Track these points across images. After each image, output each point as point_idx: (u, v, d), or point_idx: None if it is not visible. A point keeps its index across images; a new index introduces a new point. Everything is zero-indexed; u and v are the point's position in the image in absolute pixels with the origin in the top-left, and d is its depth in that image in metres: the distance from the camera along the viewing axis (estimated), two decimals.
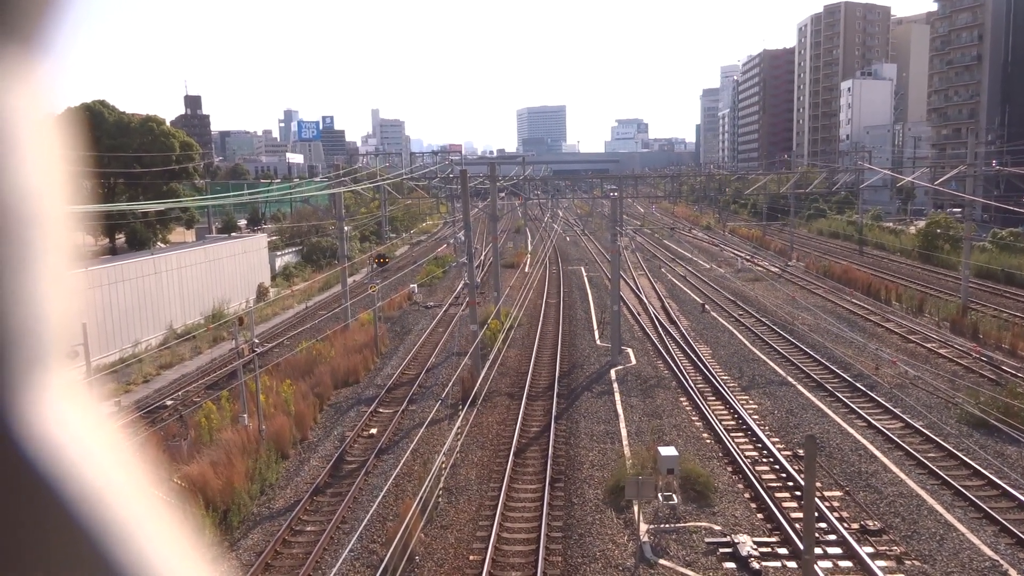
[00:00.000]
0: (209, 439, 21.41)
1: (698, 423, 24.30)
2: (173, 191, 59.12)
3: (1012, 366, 28.99)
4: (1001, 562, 15.38)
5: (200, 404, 24.15)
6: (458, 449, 22.03)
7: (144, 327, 35.06)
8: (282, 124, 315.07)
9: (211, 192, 69.01)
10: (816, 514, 14.58)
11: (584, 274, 57.48)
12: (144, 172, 57.17)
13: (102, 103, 59.16)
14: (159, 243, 60.01)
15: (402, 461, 20.27)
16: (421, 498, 16.35)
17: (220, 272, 43.15)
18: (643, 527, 17.17)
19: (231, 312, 40.74)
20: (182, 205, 52.53)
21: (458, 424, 23.05)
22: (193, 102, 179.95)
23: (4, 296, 0.45)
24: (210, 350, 35.52)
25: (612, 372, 30.15)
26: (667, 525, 17.35)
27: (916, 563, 15.70)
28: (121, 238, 62.62)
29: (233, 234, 59.90)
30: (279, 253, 58.39)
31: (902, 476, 19.68)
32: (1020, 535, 16.46)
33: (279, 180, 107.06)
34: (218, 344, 36.24)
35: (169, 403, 27.12)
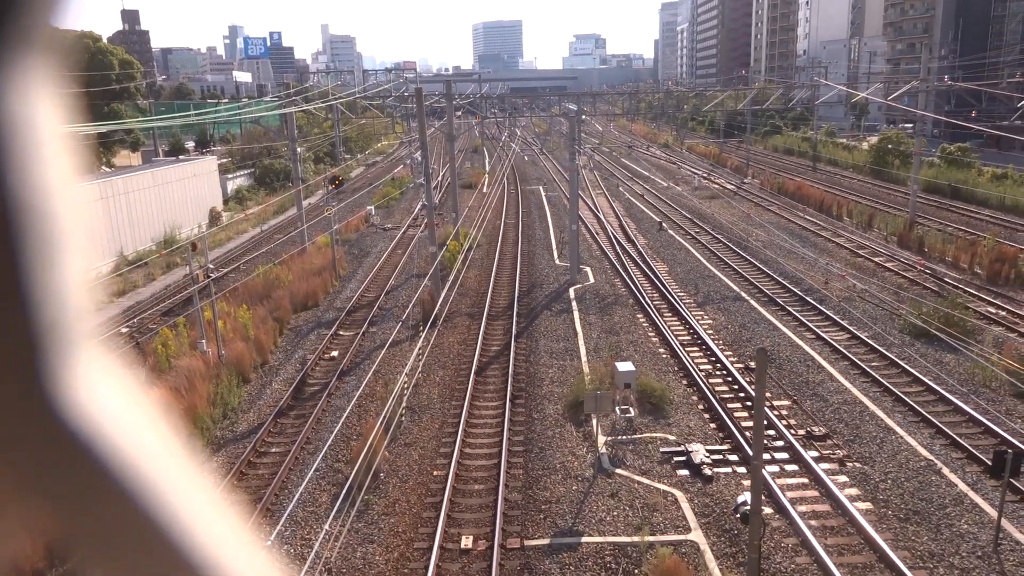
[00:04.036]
0: (167, 366, 21.30)
1: (654, 339, 24.89)
2: (115, 112, 56.66)
3: (954, 278, 30.10)
4: (935, 461, 16.35)
5: (156, 331, 23.90)
6: (420, 369, 22.31)
7: (93, 254, 34.17)
8: (227, 41, 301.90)
9: (155, 113, 66.36)
10: (765, 422, 15.25)
11: (543, 194, 57.31)
12: (82, 93, 54.56)
13: None
14: (103, 167, 57.88)
15: (364, 382, 20.50)
16: (384, 417, 16.64)
17: (170, 196, 41.99)
18: (601, 439, 17.77)
19: (183, 238, 39.88)
20: (125, 127, 50.55)
21: (419, 345, 23.28)
22: (131, 17, 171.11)
23: (38, 288, 0.49)
24: (163, 276, 34.92)
25: (571, 291, 30.51)
26: (624, 437, 17.98)
27: (857, 465, 16.61)
28: None
29: (181, 157, 58.03)
30: (230, 176, 56.88)
31: (847, 385, 20.57)
32: (954, 436, 17.46)
33: (227, 100, 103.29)
34: (171, 271, 35.63)
35: (124, 331, 26.76)
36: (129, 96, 61.65)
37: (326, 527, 14.35)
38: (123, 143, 62.31)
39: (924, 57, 44.91)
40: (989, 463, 15.04)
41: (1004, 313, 25.98)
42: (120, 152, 65.47)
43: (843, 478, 16.09)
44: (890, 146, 59.78)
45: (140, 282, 33.68)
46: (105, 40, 61.84)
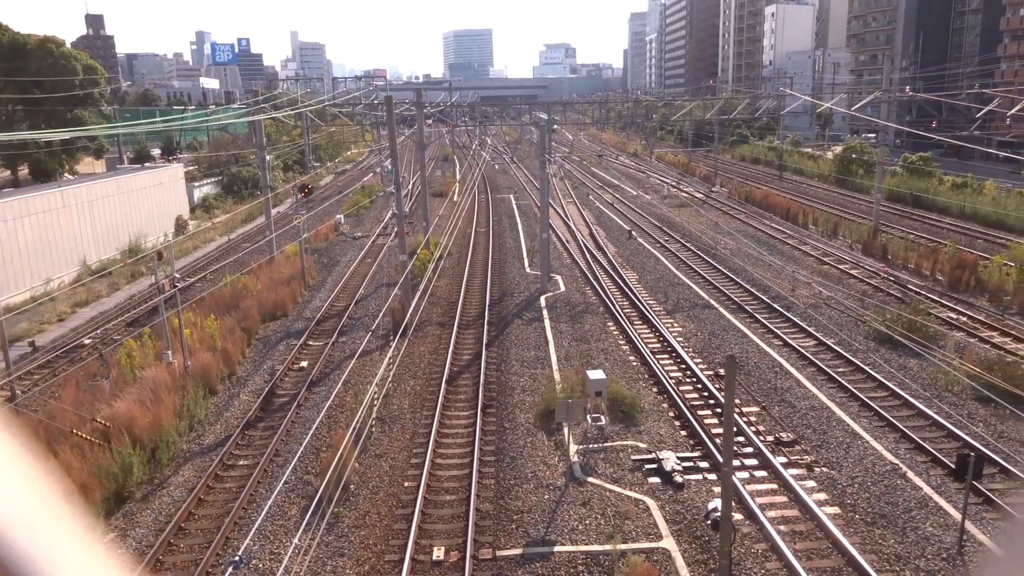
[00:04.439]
0: (132, 377, 20.91)
1: (625, 347, 25.00)
2: (78, 118, 55.69)
3: (916, 285, 30.69)
4: (900, 465, 16.61)
5: (121, 342, 23.46)
6: (390, 379, 22.15)
7: (55, 264, 33.50)
8: (194, 46, 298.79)
9: (120, 119, 65.30)
10: (735, 429, 15.37)
11: (513, 202, 57.40)
12: (45, 98, 53.60)
13: None
14: (66, 174, 56.89)
15: (334, 393, 20.30)
16: (354, 428, 16.47)
17: (135, 205, 41.32)
18: (573, 448, 17.77)
19: (149, 246, 39.27)
20: (89, 133, 49.75)
21: (390, 354, 23.12)
22: (95, 21, 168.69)
23: None
24: (128, 286, 34.31)
25: (542, 299, 30.55)
26: (595, 445, 18.01)
27: (825, 470, 16.82)
28: (24, 169, 59.00)
29: (147, 164, 57.16)
30: (197, 184, 56.14)
31: (814, 390, 20.83)
32: (918, 440, 17.76)
33: (194, 107, 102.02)
34: (136, 280, 35.04)
35: (88, 342, 26.23)
36: (93, 102, 60.66)
37: (296, 541, 14.16)
38: (87, 150, 61.25)
39: (886, 68, 45.83)
40: (952, 466, 15.33)
41: (965, 319, 26.55)
42: (84, 159, 64.34)
43: (811, 483, 16.27)
44: (854, 155, 60.89)
45: (104, 292, 33.05)
46: (68, 45, 60.78)
